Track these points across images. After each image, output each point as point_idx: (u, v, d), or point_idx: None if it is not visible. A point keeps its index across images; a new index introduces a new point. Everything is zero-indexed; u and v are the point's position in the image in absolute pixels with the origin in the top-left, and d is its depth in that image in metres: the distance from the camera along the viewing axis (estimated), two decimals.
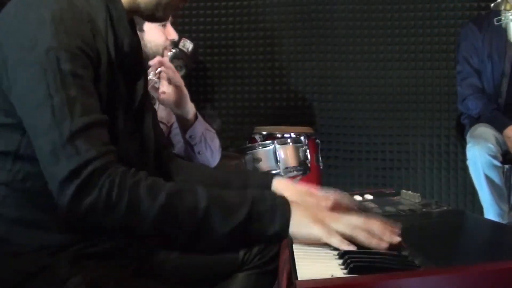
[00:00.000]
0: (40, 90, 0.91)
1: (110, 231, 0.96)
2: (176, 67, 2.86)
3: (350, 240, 0.91)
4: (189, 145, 1.90)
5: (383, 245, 0.89)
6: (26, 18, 0.95)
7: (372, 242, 0.90)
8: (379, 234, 0.91)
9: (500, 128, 2.60)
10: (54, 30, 0.93)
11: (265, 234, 0.94)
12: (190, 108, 1.82)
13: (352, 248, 0.89)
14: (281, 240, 0.99)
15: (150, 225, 0.91)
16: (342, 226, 0.93)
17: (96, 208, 0.89)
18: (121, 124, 1.06)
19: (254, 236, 0.95)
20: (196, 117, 1.86)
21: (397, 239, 0.91)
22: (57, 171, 0.90)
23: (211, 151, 1.95)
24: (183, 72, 2.97)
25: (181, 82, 1.77)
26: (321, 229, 0.92)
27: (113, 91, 1.03)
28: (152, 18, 1.18)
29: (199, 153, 1.92)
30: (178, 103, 1.79)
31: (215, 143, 1.96)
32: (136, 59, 1.14)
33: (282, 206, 0.95)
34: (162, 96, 1.77)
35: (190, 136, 1.86)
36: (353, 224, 0.93)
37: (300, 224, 0.94)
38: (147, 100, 1.22)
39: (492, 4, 2.26)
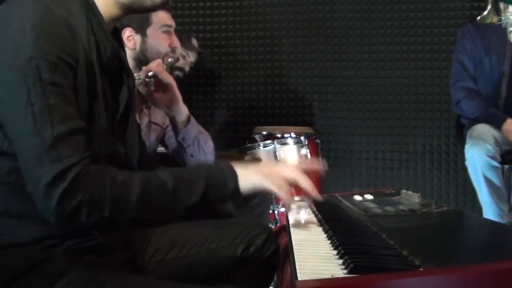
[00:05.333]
0: (22, 97, 0.93)
1: (95, 227, 1.02)
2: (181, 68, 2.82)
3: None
4: (182, 147, 1.90)
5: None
6: (8, 24, 0.96)
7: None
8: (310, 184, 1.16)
9: (498, 124, 2.59)
10: (35, 38, 0.94)
11: (223, 195, 1.10)
12: (183, 111, 1.82)
13: (294, 198, 1.16)
14: (237, 197, 1.12)
15: (132, 213, 1.00)
16: (291, 172, 1.14)
17: (81, 209, 0.95)
18: (105, 130, 1.07)
19: (214, 199, 1.10)
20: (189, 120, 1.85)
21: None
22: (40, 175, 0.92)
23: (204, 154, 1.94)
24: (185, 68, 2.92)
25: (173, 84, 1.76)
26: (269, 180, 1.11)
27: (95, 97, 1.05)
28: (144, 9, 1.17)
29: (191, 155, 1.91)
30: (170, 104, 1.78)
31: (209, 146, 1.95)
32: (119, 65, 1.14)
33: (228, 169, 1.11)
34: (154, 97, 1.77)
35: (183, 139, 1.86)
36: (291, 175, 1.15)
37: (247, 179, 1.11)
38: (133, 104, 1.22)
39: (478, 18, 2.25)
